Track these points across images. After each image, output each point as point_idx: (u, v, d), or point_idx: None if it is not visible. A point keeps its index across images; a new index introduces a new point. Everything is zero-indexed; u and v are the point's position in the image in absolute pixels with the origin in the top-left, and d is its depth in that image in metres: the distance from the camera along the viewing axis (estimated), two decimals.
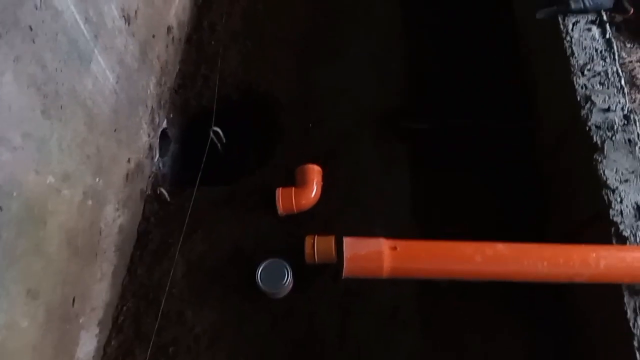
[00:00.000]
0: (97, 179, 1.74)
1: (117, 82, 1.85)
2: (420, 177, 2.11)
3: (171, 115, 2.42)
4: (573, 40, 1.92)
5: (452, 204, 2.04)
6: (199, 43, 2.61)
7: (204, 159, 2.20)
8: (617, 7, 1.99)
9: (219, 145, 2.39)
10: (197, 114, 2.47)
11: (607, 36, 1.92)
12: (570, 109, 1.81)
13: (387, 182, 2.13)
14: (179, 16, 2.49)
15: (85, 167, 1.66)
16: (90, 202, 1.70)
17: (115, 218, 1.89)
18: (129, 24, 1.94)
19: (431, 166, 2.12)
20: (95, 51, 1.69)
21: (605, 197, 1.60)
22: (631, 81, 1.92)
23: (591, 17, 1.97)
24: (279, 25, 2.64)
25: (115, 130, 1.86)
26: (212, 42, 2.60)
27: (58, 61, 1.48)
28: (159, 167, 2.30)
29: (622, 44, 2.01)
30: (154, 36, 2.19)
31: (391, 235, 1.44)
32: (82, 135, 1.63)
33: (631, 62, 1.97)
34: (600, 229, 1.60)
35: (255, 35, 2.62)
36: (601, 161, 1.66)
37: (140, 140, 2.09)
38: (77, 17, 1.58)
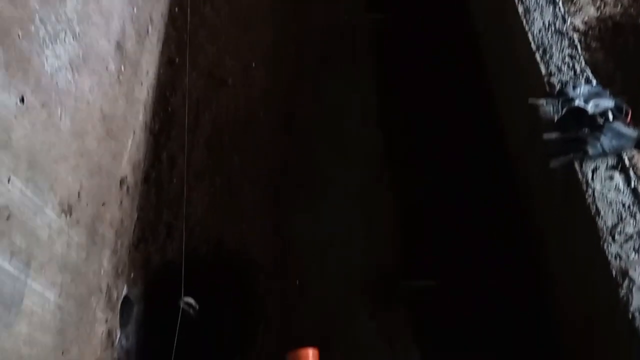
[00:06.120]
0: None
1: (60, 295, 1.51)
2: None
3: (132, 275, 2.08)
4: (596, 193, 1.65)
5: None
6: (158, 182, 2.27)
7: (176, 341, 1.87)
8: None
9: (191, 311, 2.05)
10: (162, 271, 2.13)
11: (633, 185, 1.66)
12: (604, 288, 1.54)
13: None
14: (132, 159, 2.15)
15: None
16: None
17: None
18: (70, 214, 1.60)
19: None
20: (28, 282, 1.35)
21: None
22: None
23: (611, 161, 1.71)
24: (248, 159, 2.31)
25: (62, 353, 1.52)
26: (174, 180, 2.27)
27: None
28: (121, 347, 1.96)
29: None
30: (104, 204, 1.86)
31: None
32: None
33: None
34: None
35: (222, 172, 2.29)
36: None
37: (95, 337, 1.75)
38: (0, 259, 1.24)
